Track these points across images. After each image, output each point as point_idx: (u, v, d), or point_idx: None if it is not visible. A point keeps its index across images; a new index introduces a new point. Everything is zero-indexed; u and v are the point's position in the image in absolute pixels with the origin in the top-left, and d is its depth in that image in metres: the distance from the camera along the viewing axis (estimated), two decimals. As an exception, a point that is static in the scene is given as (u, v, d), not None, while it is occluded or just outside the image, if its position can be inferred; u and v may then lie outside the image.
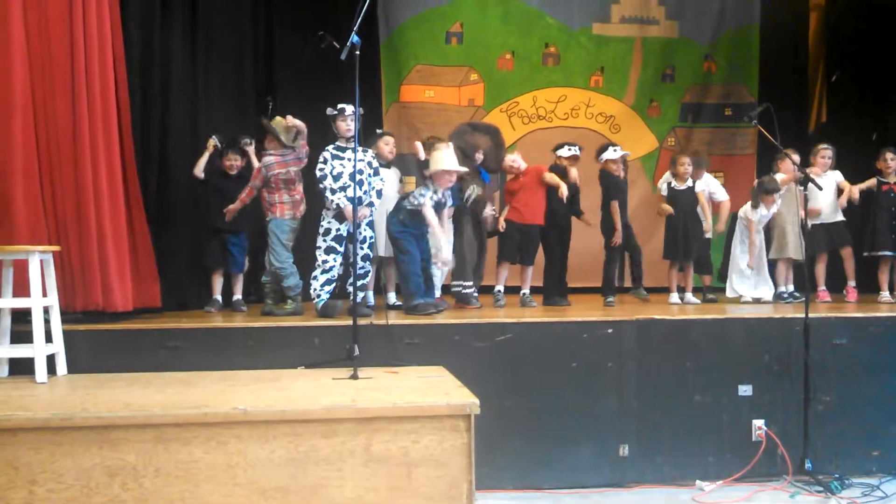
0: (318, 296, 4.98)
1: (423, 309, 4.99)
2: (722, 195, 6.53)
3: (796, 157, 5.95)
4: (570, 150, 6.09)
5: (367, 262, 5.17)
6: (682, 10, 8.50)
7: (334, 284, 5.06)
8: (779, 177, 6.34)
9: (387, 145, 5.84)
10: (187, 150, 5.90)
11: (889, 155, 6.32)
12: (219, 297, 5.68)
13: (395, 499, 3.16)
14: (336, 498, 3.13)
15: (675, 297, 6.14)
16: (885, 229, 6.25)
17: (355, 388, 3.56)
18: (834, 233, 6.43)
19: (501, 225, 5.89)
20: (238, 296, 5.80)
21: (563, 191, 5.72)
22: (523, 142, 8.08)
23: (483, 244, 5.97)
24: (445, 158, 5.22)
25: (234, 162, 5.76)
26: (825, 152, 6.47)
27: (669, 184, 6.21)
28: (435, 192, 5.20)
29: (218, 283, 5.70)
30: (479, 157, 5.94)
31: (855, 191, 6.29)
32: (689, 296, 6.19)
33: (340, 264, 5.08)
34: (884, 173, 6.36)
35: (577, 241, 6.23)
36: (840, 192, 6.40)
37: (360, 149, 4.94)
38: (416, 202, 5.17)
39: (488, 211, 6.00)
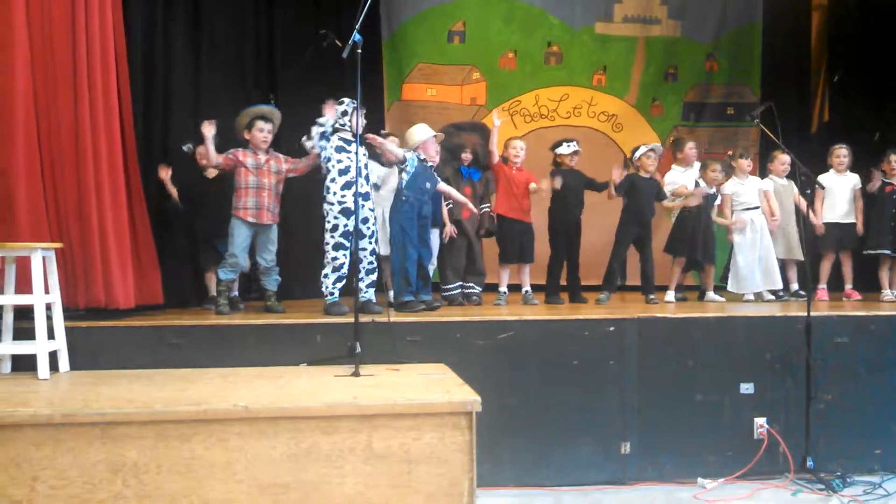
0: (332, 293, 4.96)
1: (413, 307, 5.03)
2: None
3: (785, 157, 5.99)
4: (568, 146, 6.02)
5: (374, 258, 5.15)
6: (685, 9, 8.50)
7: (344, 281, 5.03)
8: (769, 178, 6.47)
9: None
10: (189, 147, 5.90)
11: (894, 157, 6.33)
12: (215, 294, 5.64)
13: (395, 496, 3.16)
14: (336, 495, 3.13)
15: (671, 294, 6.14)
16: (885, 228, 6.26)
17: (357, 386, 3.56)
18: (843, 234, 6.42)
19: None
20: (235, 293, 5.78)
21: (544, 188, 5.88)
22: (525, 140, 8.05)
23: (472, 243, 5.91)
24: (420, 130, 5.36)
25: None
26: (840, 152, 6.47)
27: (696, 184, 6.16)
28: (419, 156, 5.26)
29: (212, 281, 5.67)
30: (467, 157, 5.94)
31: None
32: (711, 294, 6.21)
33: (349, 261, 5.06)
34: (887, 174, 6.37)
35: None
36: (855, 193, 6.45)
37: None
38: (405, 168, 5.21)
39: (484, 208, 6.00)
